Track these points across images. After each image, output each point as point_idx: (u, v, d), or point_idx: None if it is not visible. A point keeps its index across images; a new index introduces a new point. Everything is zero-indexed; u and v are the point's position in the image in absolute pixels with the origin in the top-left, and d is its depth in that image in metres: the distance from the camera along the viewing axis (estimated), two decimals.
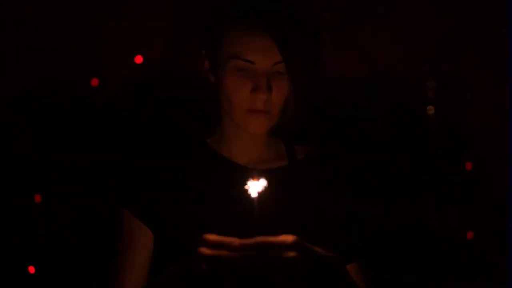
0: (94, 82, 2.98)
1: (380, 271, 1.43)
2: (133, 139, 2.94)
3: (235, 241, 1.02)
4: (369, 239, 1.44)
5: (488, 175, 3.00)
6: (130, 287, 1.37)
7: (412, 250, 3.04)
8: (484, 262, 3.02)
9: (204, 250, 1.02)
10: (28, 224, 3.04)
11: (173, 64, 3.05)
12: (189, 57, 3.05)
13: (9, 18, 3.06)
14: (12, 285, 3.07)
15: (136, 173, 1.42)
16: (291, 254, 1.01)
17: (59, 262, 3.07)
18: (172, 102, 2.96)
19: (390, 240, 3.00)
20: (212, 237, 1.03)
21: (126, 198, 1.41)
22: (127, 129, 2.96)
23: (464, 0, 3.02)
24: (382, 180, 2.99)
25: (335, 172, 1.45)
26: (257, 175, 1.07)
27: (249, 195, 1.06)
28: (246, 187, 1.06)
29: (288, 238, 1.02)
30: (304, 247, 1.02)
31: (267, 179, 1.08)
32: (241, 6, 1.33)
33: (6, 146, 3.08)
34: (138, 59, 3.05)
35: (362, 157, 2.91)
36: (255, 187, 1.06)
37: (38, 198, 3.04)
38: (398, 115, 2.98)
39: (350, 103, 2.99)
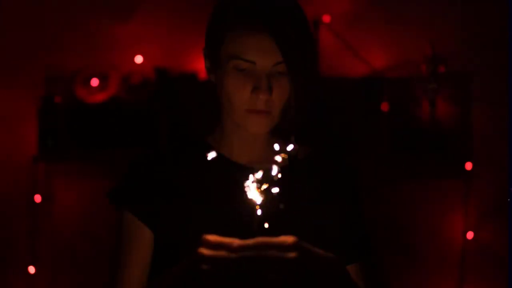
0: (94, 82, 2.98)
1: (380, 271, 1.42)
2: (134, 138, 2.94)
3: (235, 241, 1.02)
4: (369, 239, 1.43)
5: (488, 175, 3.00)
6: (130, 287, 1.37)
7: (412, 250, 3.04)
8: (484, 262, 3.01)
9: (204, 251, 1.02)
10: (29, 224, 3.04)
11: (172, 63, 3.05)
12: (189, 56, 3.05)
13: (12, 18, 3.06)
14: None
15: (136, 173, 1.42)
16: (291, 255, 1.01)
17: (60, 261, 3.07)
18: (172, 101, 2.96)
19: (390, 240, 2.99)
20: (212, 237, 1.03)
21: (126, 198, 1.40)
22: (127, 128, 2.96)
23: (464, 1, 3.02)
24: (382, 179, 2.99)
25: (336, 171, 1.45)
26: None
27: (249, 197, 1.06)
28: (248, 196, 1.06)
29: (288, 239, 1.01)
30: (304, 248, 1.02)
31: (267, 179, 1.08)
32: (242, 6, 1.33)
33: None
34: (138, 59, 3.05)
35: (362, 156, 2.91)
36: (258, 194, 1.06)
37: (38, 198, 3.05)
38: (398, 115, 2.98)
39: (350, 103, 2.99)
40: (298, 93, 1.34)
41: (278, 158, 1.07)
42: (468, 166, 2.97)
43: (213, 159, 1.42)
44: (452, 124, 2.96)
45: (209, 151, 1.43)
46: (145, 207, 1.38)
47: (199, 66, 2.99)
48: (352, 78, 3.01)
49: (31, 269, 3.05)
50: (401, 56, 3.03)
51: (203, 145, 1.44)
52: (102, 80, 2.99)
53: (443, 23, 3.02)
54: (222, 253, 1.01)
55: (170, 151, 1.46)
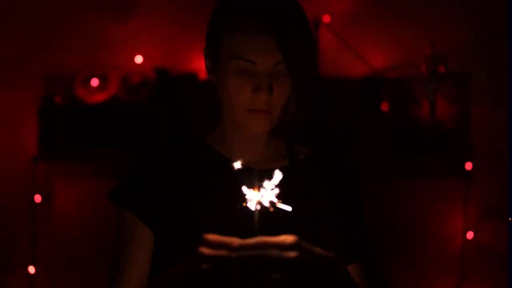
0: (94, 82, 2.98)
1: (380, 271, 1.42)
2: (134, 138, 2.94)
3: (235, 241, 1.02)
4: (369, 239, 1.43)
5: (488, 175, 3.00)
6: (130, 287, 1.37)
7: (412, 250, 3.04)
8: (484, 262, 3.02)
9: (204, 250, 1.02)
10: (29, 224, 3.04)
11: (172, 63, 3.05)
12: (190, 57, 3.05)
13: (12, 18, 3.06)
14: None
15: (136, 173, 1.42)
16: (291, 254, 1.00)
17: (60, 261, 3.07)
18: (172, 101, 2.96)
19: (390, 240, 3.00)
20: (212, 237, 1.03)
21: (127, 198, 1.40)
22: (127, 128, 2.96)
23: (464, 1, 3.02)
24: (382, 179, 2.99)
25: (336, 171, 1.45)
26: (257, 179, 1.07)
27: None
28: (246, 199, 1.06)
29: (288, 238, 1.01)
30: (304, 247, 1.02)
31: (267, 179, 1.08)
32: (243, 6, 1.33)
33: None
34: (138, 59, 3.05)
35: (362, 156, 2.91)
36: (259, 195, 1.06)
37: (38, 198, 3.05)
38: (398, 115, 2.98)
39: (350, 103, 2.99)
40: (298, 93, 1.34)
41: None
42: (468, 166, 2.97)
43: (213, 159, 1.42)
44: (452, 124, 2.96)
45: (209, 151, 1.43)
46: (145, 207, 1.38)
47: (199, 66, 2.99)
48: (352, 78, 3.01)
49: (31, 269, 3.05)
50: (401, 56, 3.03)
51: (203, 145, 1.44)
52: (102, 80, 2.99)
53: (443, 23, 3.03)
54: (222, 252, 1.01)
55: (170, 151, 1.46)
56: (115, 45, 3.08)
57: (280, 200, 1.07)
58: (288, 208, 1.07)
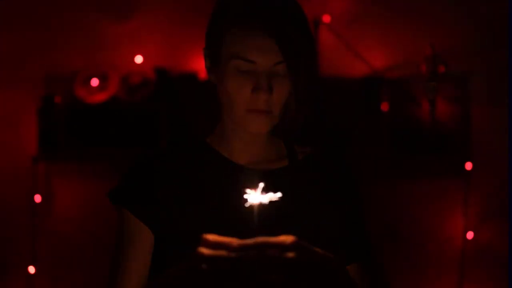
0: (94, 82, 2.98)
1: (380, 271, 1.42)
2: (134, 138, 2.95)
3: (234, 241, 1.02)
4: (369, 239, 1.43)
5: (488, 175, 3.00)
6: (130, 287, 1.37)
7: (412, 250, 3.04)
8: (484, 262, 3.02)
9: (204, 250, 1.02)
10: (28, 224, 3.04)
11: (172, 63, 3.05)
12: (189, 56, 3.05)
13: (12, 18, 3.07)
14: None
15: (136, 173, 1.42)
16: (291, 254, 1.01)
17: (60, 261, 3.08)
18: (172, 101, 2.96)
19: (390, 240, 3.00)
20: (211, 237, 1.03)
21: (126, 197, 1.40)
22: (127, 128, 2.96)
23: (464, 1, 3.02)
24: (382, 179, 2.99)
25: (336, 171, 1.45)
26: (257, 179, 1.07)
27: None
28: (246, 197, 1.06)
29: (288, 238, 1.01)
30: (304, 247, 1.02)
31: (267, 179, 1.08)
32: (242, 6, 1.33)
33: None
34: (138, 59, 3.05)
35: (362, 156, 2.92)
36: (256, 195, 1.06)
37: (38, 198, 3.05)
38: (398, 115, 2.98)
39: (350, 103, 2.99)
40: (298, 93, 1.34)
41: None
42: (468, 166, 2.97)
43: (213, 159, 1.42)
44: (451, 124, 2.96)
45: (208, 151, 1.43)
46: (145, 207, 1.38)
47: (199, 66, 2.99)
48: (352, 78, 3.01)
49: (31, 269, 3.05)
50: (401, 56, 3.03)
51: (203, 146, 1.44)
52: (102, 80, 2.99)
53: (443, 23, 3.03)
54: (221, 252, 1.01)
55: (170, 151, 1.46)
56: (115, 45, 3.08)
57: (279, 200, 1.07)
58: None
